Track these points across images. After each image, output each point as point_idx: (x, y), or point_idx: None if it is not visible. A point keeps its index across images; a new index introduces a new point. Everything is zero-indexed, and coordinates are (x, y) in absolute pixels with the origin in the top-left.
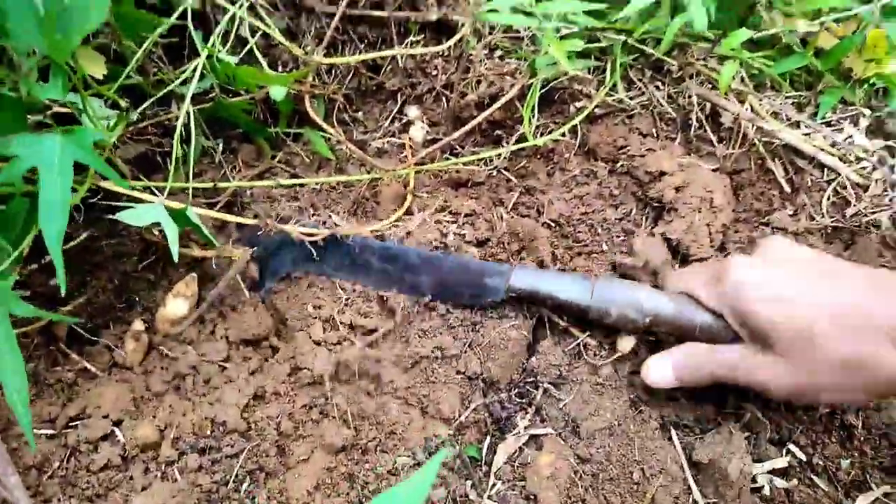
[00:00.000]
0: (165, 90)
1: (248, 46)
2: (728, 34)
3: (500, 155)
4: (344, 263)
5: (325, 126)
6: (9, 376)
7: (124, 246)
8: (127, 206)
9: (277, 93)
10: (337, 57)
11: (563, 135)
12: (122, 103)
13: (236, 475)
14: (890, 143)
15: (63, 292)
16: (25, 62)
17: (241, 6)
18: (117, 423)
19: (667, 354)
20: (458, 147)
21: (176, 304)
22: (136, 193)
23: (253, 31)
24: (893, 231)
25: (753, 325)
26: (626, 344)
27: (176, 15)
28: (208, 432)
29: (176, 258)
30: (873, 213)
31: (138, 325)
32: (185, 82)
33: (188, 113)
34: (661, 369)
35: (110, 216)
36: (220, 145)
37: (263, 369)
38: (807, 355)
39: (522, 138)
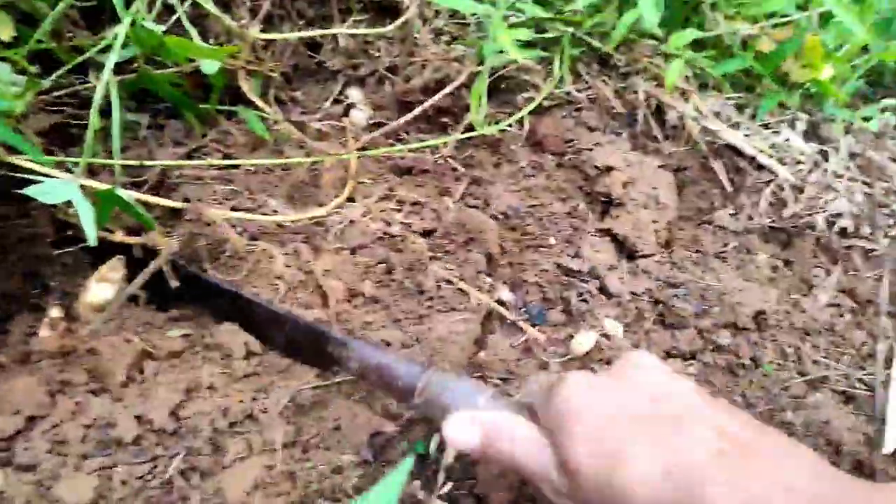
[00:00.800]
0: (82, 58)
1: (175, 15)
2: (674, 33)
3: (446, 143)
4: None
5: (261, 104)
6: None
7: (37, 227)
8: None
9: (209, 66)
10: (274, 33)
11: (510, 125)
12: (32, 69)
13: (168, 475)
14: (824, 147)
15: None
16: None
17: None
18: (31, 419)
19: (485, 416)
20: (402, 133)
21: (100, 289)
22: (48, 170)
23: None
24: (828, 233)
25: (563, 458)
26: (583, 342)
27: None
28: (136, 429)
29: (93, 241)
30: (809, 214)
31: (55, 311)
32: (105, 50)
33: (108, 83)
34: (468, 431)
35: (19, 192)
36: (146, 120)
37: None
38: None
39: (470, 127)
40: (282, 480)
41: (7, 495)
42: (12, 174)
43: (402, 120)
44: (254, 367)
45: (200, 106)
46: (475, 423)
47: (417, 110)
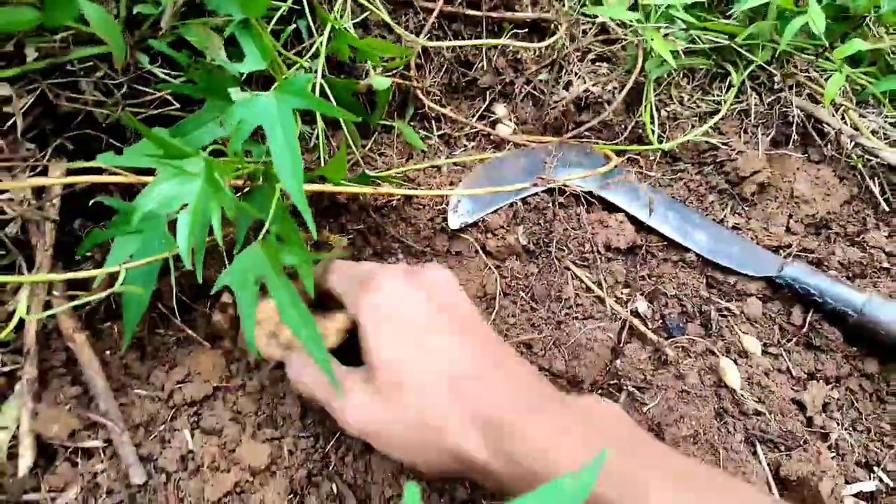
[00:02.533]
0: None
1: (355, 18)
2: (836, 46)
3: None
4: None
5: (446, 112)
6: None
7: None
8: None
9: (381, 83)
10: (441, 44)
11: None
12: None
13: (326, 450)
14: None
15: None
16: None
17: None
18: (217, 389)
19: (297, 357)
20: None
21: None
22: None
23: (361, 10)
24: None
25: (367, 352)
26: (731, 376)
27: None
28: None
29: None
30: None
31: (226, 297)
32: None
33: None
34: (294, 366)
35: None
36: (316, 130)
37: None
38: (398, 402)
39: (641, 141)
40: None
41: (196, 455)
42: None
43: (557, 140)
44: None
45: (371, 117)
46: (294, 367)
47: (574, 132)
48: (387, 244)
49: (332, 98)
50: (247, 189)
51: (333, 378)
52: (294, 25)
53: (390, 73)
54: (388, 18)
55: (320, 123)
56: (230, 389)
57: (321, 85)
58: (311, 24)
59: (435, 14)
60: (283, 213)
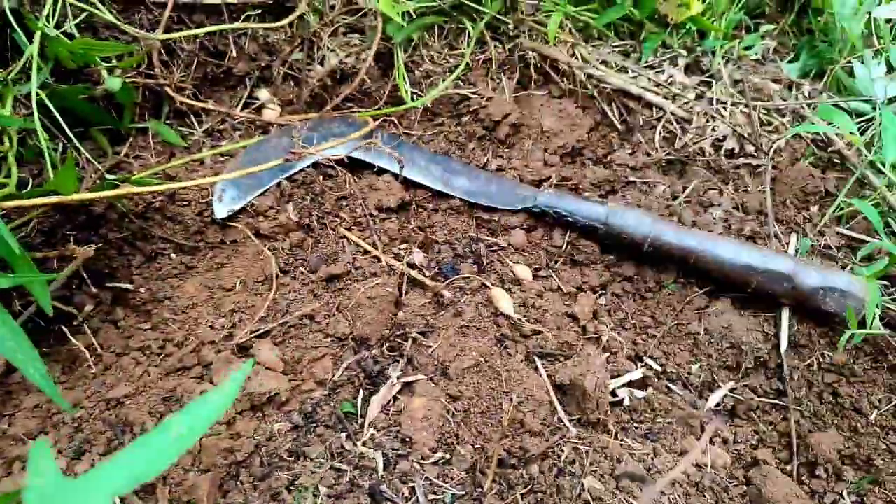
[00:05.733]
0: None
1: (76, 20)
2: None
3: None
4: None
5: (206, 106)
6: None
7: None
8: None
9: (113, 83)
10: (176, 35)
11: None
12: None
13: None
14: (705, 77)
15: None
16: None
17: None
18: None
19: None
20: None
21: None
22: None
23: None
24: (716, 155)
25: None
26: (504, 303)
27: None
28: None
29: None
30: (697, 143)
31: None
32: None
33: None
34: None
35: None
36: (59, 145)
37: None
38: None
39: (401, 102)
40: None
41: None
42: None
43: (317, 114)
44: None
45: (119, 121)
46: None
47: (333, 103)
48: (156, 246)
49: (56, 108)
50: None
51: None
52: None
53: (132, 76)
54: (110, 17)
55: (41, 137)
56: None
57: (37, 95)
58: (23, 35)
59: (169, 8)
60: None
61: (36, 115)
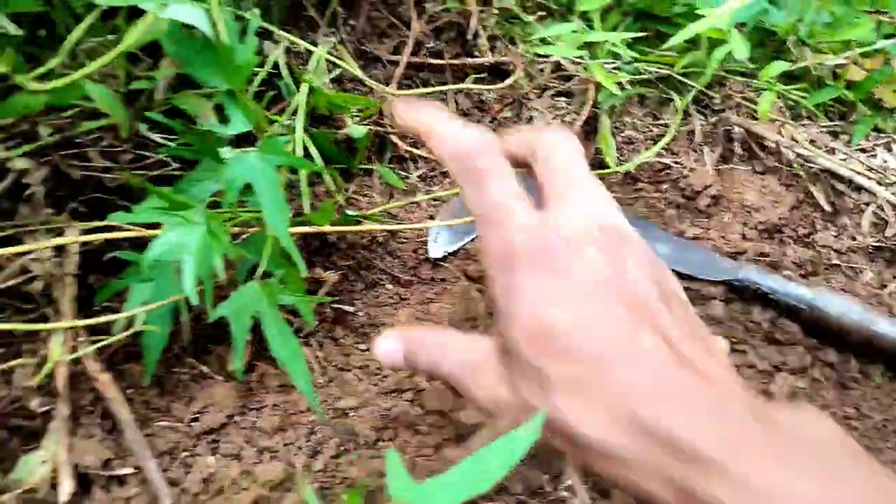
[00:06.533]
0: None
1: (331, 74)
2: (764, 67)
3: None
4: None
5: (422, 153)
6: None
7: None
8: None
9: (357, 130)
10: (408, 93)
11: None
12: None
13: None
14: None
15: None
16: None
17: (324, 50)
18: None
19: (405, 331)
20: None
21: None
22: None
23: (335, 66)
24: None
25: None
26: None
27: (269, 66)
28: None
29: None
30: None
31: None
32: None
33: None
34: (390, 344)
35: None
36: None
37: None
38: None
39: (603, 165)
40: None
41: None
42: None
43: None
44: None
45: (353, 162)
46: (395, 342)
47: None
48: (376, 276)
49: (313, 148)
50: (245, 235)
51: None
52: (273, 91)
53: (366, 122)
54: (359, 73)
55: (303, 173)
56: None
57: (302, 139)
58: (291, 83)
59: (402, 66)
60: (276, 256)
61: (301, 154)
